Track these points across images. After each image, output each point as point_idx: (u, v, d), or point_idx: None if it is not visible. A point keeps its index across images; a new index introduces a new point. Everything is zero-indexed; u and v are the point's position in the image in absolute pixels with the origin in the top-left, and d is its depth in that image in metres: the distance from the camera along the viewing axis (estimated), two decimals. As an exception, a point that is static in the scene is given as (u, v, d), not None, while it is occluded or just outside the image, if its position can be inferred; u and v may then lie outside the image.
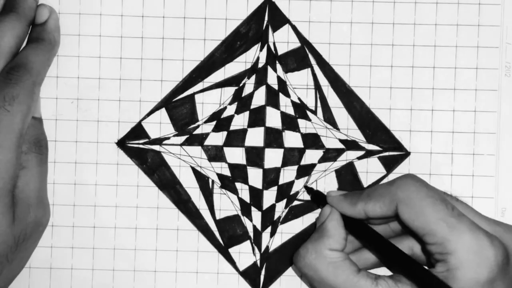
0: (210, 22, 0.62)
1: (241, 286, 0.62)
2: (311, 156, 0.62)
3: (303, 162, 0.62)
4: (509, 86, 0.62)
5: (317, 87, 0.62)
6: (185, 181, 0.62)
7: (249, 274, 0.62)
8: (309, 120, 0.62)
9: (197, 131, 0.62)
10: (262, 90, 0.62)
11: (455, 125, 0.62)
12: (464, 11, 0.62)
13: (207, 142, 0.62)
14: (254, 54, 0.62)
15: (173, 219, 0.62)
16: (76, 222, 0.62)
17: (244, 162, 0.62)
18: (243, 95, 0.62)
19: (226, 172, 0.62)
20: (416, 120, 0.62)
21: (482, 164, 0.62)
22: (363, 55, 0.62)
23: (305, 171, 0.62)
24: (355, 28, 0.62)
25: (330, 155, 0.62)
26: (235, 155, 0.62)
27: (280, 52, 0.62)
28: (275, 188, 0.62)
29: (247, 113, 0.62)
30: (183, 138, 0.62)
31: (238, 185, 0.62)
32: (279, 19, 0.62)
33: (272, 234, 0.63)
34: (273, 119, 0.62)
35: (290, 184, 0.63)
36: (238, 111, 0.62)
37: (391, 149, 0.62)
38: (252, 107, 0.62)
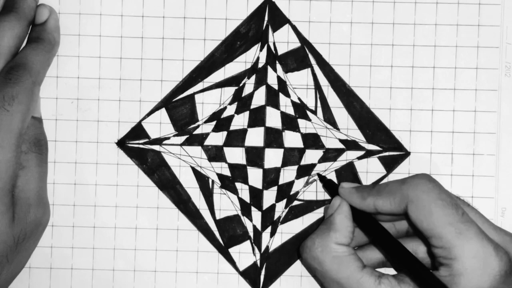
0: (210, 22, 0.62)
1: (241, 286, 0.62)
2: (311, 156, 0.62)
3: (303, 162, 0.62)
4: (509, 86, 0.62)
5: (317, 87, 0.62)
6: (185, 181, 0.62)
7: (249, 274, 0.62)
8: (309, 120, 0.62)
9: (197, 131, 0.62)
10: (262, 90, 0.62)
11: (455, 125, 0.62)
12: (464, 11, 0.62)
13: (207, 142, 0.62)
14: (254, 54, 0.62)
15: (173, 219, 0.62)
16: (76, 222, 0.62)
17: (244, 162, 0.62)
18: (243, 95, 0.62)
19: (226, 172, 0.62)
20: (416, 120, 0.62)
21: (482, 164, 0.62)
22: (363, 55, 0.62)
23: (305, 171, 0.62)
24: (355, 28, 0.62)
25: (330, 155, 0.62)
26: (235, 155, 0.62)
27: (280, 52, 0.62)
28: (275, 188, 0.62)
29: (247, 113, 0.62)
30: (183, 138, 0.62)
31: (238, 185, 0.62)
32: (279, 19, 0.62)
33: (272, 234, 0.63)
34: (273, 119, 0.62)
35: (290, 184, 0.63)
36: (238, 111, 0.62)
37: (391, 149, 0.62)
38: (252, 107, 0.62)
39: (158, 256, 0.62)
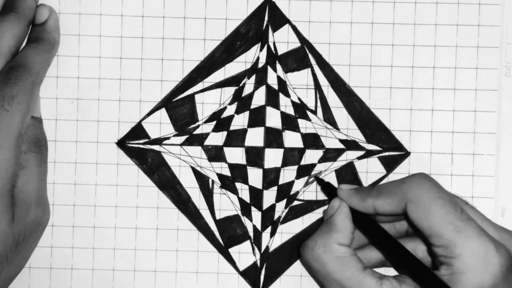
0: (210, 22, 0.62)
1: (241, 286, 0.62)
2: (311, 156, 0.62)
3: (303, 162, 0.62)
4: (509, 86, 0.62)
5: (317, 87, 0.62)
6: (185, 181, 0.62)
7: (249, 274, 0.62)
8: (309, 120, 0.62)
9: (197, 131, 0.62)
10: (262, 90, 0.62)
11: (455, 125, 0.62)
12: (464, 11, 0.62)
13: (207, 142, 0.62)
14: (254, 54, 0.62)
15: (173, 219, 0.62)
16: (76, 222, 0.62)
17: (244, 162, 0.62)
18: (243, 95, 0.62)
19: (226, 172, 0.62)
20: (416, 120, 0.62)
21: (482, 164, 0.62)
22: (363, 55, 0.62)
23: (305, 171, 0.62)
24: (355, 28, 0.62)
25: (330, 155, 0.62)
26: (235, 155, 0.62)
27: (280, 52, 0.62)
28: (275, 188, 0.62)
29: (247, 113, 0.62)
30: (183, 138, 0.62)
31: (238, 185, 0.62)
32: (279, 19, 0.62)
33: (272, 234, 0.62)
34: (273, 119, 0.62)
35: (290, 184, 0.63)
36: (238, 111, 0.62)
37: (391, 149, 0.62)
38: (252, 107, 0.62)
39: (158, 256, 0.62)
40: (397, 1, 0.62)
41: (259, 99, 0.62)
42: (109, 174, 0.62)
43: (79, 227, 0.62)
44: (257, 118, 0.62)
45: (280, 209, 0.62)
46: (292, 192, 0.62)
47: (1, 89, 0.56)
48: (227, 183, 0.62)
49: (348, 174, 0.62)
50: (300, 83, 0.62)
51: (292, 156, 0.62)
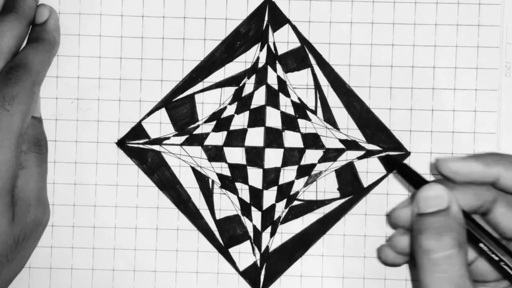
0: (210, 22, 0.62)
1: (241, 286, 0.62)
2: (311, 156, 0.62)
3: (303, 162, 0.62)
4: (509, 86, 0.62)
5: (317, 87, 0.62)
6: (185, 181, 0.62)
7: (249, 274, 0.62)
8: (309, 120, 0.62)
9: (197, 131, 0.62)
10: (262, 90, 0.62)
11: (455, 125, 0.62)
12: (464, 11, 0.62)
13: (207, 142, 0.62)
14: (254, 54, 0.62)
15: (173, 219, 0.62)
16: (76, 222, 0.62)
17: (244, 162, 0.62)
18: (243, 95, 0.62)
19: (226, 172, 0.62)
20: (416, 120, 0.62)
21: (482, 164, 0.62)
22: (363, 55, 0.62)
23: (305, 171, 0.62)
24: (355, 28, 0.62)
25: (330, 155, 0.62)
26: (235, 155, 0.62)
27: (280, 52, 0.62)
28: (275, 188, 0.62)
29: (247, 113, 0.62)
30: (183, 138, 0.62)
31: (238, 185, 0.62)
32: (279, 19, 0.62)
33: (272, 234, 0.62)
34: (273, 119, 0.62)
35: (290, 184, 0.63)
36: (238, 111, 0.62)
37: (391, 149, 0.62)
38: (252, 107, 0.62)
39: (158, 256, 0.62)
40: (397, 1, 0.62)
41: (259, 99, 0.62)
42: (109, 174, 0.62)
43: (79, 227, 0.62)
44: (257, 118, 0.62)
45: (280, 209, 0.63)
46: (292, 192, 0.62)
47: (1, 89, 0.56)
48: (227, 183, 0.62)
49: (348, 174, 0.62)
50: (300, 83, 0.62)
51: (292, 156, 0.62)
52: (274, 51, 0.62)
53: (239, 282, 0.62)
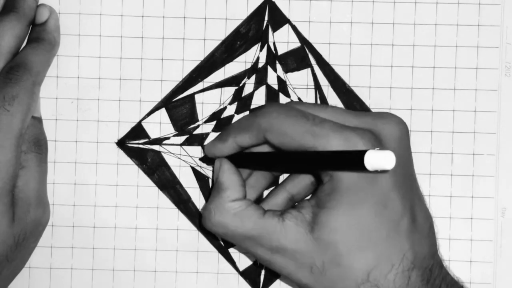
0: (210, 22, 0.62)
1: (241, 286, 0.62)
2: (311, 156, 0.62)
3: (303, 162, 0.62)
4: (509, 86, 0.62)
5: (317, 87, 0.62)
6: (185, 181, 0.62)
7: (249, 274, 0.62)
8: (309, 120, 0.62)
9: (197, 131, 0.62)
10: (262, 90, 0.62)
11: (455, 125, 0.62)
12: (464, 11, 0.62)
13: (207, 142, 0.62)
14: (254, 54, 0.62)
15: (173, 219, 0.62)
16: (76, 222, 0.62)
17: (244, 162, 0.62)
18: (243, 95, 0.62)
19: (226, 172, 0.62)
20: (416, 120, 0.62)
21: (482, 164, 0.62)
22: (363, 55, 0.62)
23: (305, 171, 0.62)
24: (355, 28, 0.62)
25: (330, 155, 0.62)
26: (235, 155, 0.62)
27: (280, 52, 0.62)
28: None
29: (247, 113, 0.62)
30: (183, 138, 0.62)
31: (238, 185, 0.62)
32: (279, 19, 0.62)
33: (272, 234, 0.62)
34: (273, 119, 0.62)
35: (290, 184, 0.62)
36: (238, 111, 0.62)
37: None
38: (252, 107, 0.62)
39: (158, 256, 0.62)
40: (397, 1, 0.62)
41: (259, 99, 0.62)
42: (109, 174, 0.62)
43: (79, 227, 0.62)
44: (257, 118, 0.62)
45: (280, 209, 0.62)
46: (292, 192, 0.62)
47: (1, 89, 0.56)
48: (227, 183, 0.62)
49: (348, 174, 0.62)
50: (300, 83, 0.62)
51: (292, 156, 0.62)
52: (274, 51, 0.62)
53: (239, 282, 0.62)
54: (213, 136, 0.62)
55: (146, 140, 0.62)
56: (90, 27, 0.62)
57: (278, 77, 0.62)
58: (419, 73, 0.62)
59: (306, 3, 0.62)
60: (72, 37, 0.62)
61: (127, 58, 0.62)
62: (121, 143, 0.62)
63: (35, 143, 0.59)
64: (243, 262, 0.62)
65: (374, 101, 0.62)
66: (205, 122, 0.62)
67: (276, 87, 0.62)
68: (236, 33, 0.62)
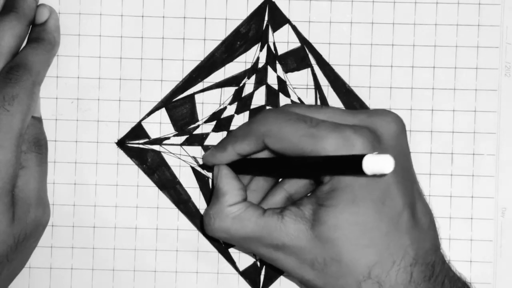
0: (210, 22, 0.62)
1: (241, 286, 0.62)
2: (311, 156, 0.62)
3: (303, 162, 0.62)
4: (509, 86, 0.62)
5: (317, 87, 0.62)
6: (185, 181, 0.62)
7: (249, 274, 0.62)
8: (309, 120, 0.62)
9: (197, 131, 0.62)
10: (262, 90, 0.62)
11: (455, 125, 0.62)
12: (464, 11, 0.62)
13: (207, 142, 0.62)
14: (254, 54, 0.62)
15: (173, 219, 0.62)
16: (76, 222, 0.62)
17: (244, 162, 0.62)
18: (243, 95, 0.62)
19: (226, 172, 0.62)
20: (416, 120, 0.62)
21: (482, 164, 0.62)
22: (363, 55, 0.62)
23: (305, 171, 0.62)
24: (355, 28, 0.62)
25: (330, 155, 0.62)
26: (235, 155, 0.62)
27: (280, 52, 0.62)
28: (275, 188, 0.62)
29: (247, 113, 0.62)
30: (183, 138, 0.62)
31: (238, 185, 0.62)
32: (279, 19, 0.62)
33: (272, 234, 0.62)
34: (273, 119, 0.62)
35: (290, 184, 0.62)
36: (238, 111, 0.62)
37: (391, 149, 0.62)
38: (252, 107, 0.62)
39: (158, 256, 0.62)
40: (397, 1, 0.62)
41: (259, 99, 0.62)
42: (109, 174, 0.62)
43: (79, 227, 0.62)
44: (257, 118, 0.62)
45: (280, 209, 0.62)
46: (292, 192, 0.62)
47: (1, 89, 0.56)
48: (227, 183, 0.62)
49: (348, 174, 0.62)
50: (300, 83, 0.62)
51: (292, 156, 0.62)
52: (274, 51, 0.62)
53: (239, 282, 0.62)
54: (213, 136, 0.62)
55: (146, 140, 0.62)
56: (90, 27, 0.62)
57: (278, 77, 0.62)
58: (419, 73, 0.62)
59: (306, 3, 0.62)
60: (72, 37, 0.62)
61: (127, 58, 0.62)
62: (121, 143, 0.62)
63: (35, 143, 0.59)
64: (243, 262, 0.62)
65: (374, 101, 0.62)
66: (205, 122, 0.62)
67: (276, 87, 0.62)
68: (236, 33, 0.62)
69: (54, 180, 0.62)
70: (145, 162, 0.62)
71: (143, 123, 0.62)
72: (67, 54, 0.62)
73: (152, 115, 0.62)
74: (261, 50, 0.62)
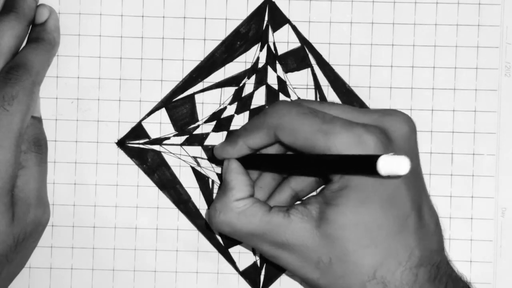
0: (210, 22, 0.62)
1: (241, 286, 0.62)
2: (311, 156, 0.62)
3: (303, 162, 0.62)
4: (509, 86, 0.62)
5: (317, 87, 0.62)
6: (185, 181, 0.62)
7: (249, 274, 0.62)
8: (309, 120, 0.62)
9: (197, 131, 0.62)
10: (262, 90, 0.62)
11: (455, 125, 0.62)
12: (464, 11, 0.62)
13: (207, 142, 0.62)
14: (254, 54, 0.62)
15: (173, 219, 0.62)
16: (76, 222, 0.62)
17: (244, 162, 0.62)
18: (243, 95, 0.62)
19: (226, 172, 0.62)
20: (416, 120, 0.62)
21: (482, 164, 0.62)
22: (363, 55, 0.62)
23: (305, 171, 0.62)
24: (355, 28, 0.62)
25: (330, 155, 0.62)
26: (235, 155, 0.62)
27: (280, 52, 0.62)
28: (275, 188, 0.62)
29: (247, 113, 0.62)
30: (183, 138, 0.62)
31: (238, 185, 0.62)
32: (279, 19, 0.62)
33: (272, 234, 0.62)
34: (273, 119, 0.62)
35: (290, 184, 0.62)
36: (238, 111, 0.62)
37: (391, 149, 0.62)
38: (252, 107, 0.62)
39: (158, 256, 0.62)
40: (397, 1, 0.62)
41: (259, 99, 0.62)
42: (109, 174, 0.62)
43: (79, 227, 0.62)
44: (257, 118, 0.62)
45: (280, 209, 0.62)
46: (292, 192, 0.62)
47: (1, 89, 0.56)
48: (227, 183, 0.62)
49: (348, 174, 0.62)
50: (300, 83, 0.62)
51: (292, 156, 0.62)
52: (274, 51, 0.62)
53: (239, 282, 0.62)
54: (213, 136, 0.62)
55: (146, 140, 0.62)
56: (90, 27, 0.62)
57: (278, 77, 0.62)
58: (419, 73, 0.62)
59: (306, 3, 0.62)
60: (72, 37, 0.62)
61: (127, 58, 0.62)
62: (121, 143, 0.62)
63: (35, 143, 0.59)
64: (243, 262, 0.62)
65: (374, 101, 0.62)
66: (205, 122, 0.62)
67: (276, 87, 0.62)
68: (236, 33, 0.62)
69: (54, 180, 0.62)
70: (145, 162, 0.62)
71: (143, 123, 0.62)
72: (67, 54, 0.62)
73: (152, 115, 0.62)
74: (261, 50, 0.62)
